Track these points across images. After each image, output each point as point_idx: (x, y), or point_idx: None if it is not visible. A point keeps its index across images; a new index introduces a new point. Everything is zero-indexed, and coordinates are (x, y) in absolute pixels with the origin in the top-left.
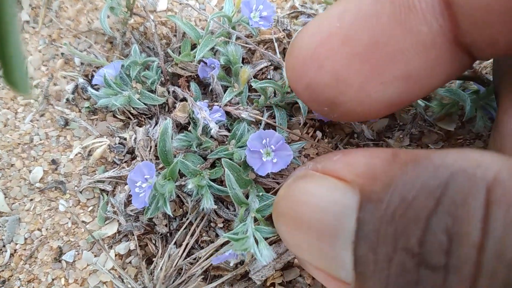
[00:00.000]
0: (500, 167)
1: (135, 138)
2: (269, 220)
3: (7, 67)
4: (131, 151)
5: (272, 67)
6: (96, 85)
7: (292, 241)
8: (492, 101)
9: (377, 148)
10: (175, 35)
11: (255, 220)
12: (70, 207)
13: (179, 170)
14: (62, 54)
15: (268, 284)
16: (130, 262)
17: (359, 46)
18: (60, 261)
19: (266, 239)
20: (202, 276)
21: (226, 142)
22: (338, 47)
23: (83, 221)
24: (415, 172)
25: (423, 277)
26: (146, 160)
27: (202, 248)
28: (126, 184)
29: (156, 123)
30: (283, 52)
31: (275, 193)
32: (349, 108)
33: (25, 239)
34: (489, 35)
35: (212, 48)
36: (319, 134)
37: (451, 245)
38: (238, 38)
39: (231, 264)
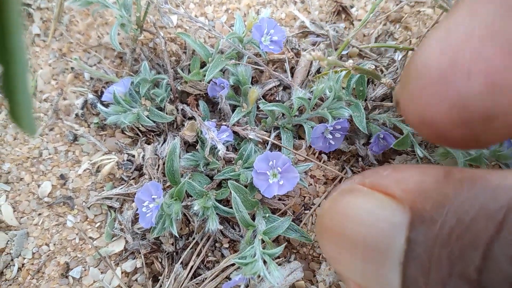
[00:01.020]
0: None
1: (143, 156)
2: (275, 241)
3: (14, 107)
4: (139, 168)
5: (281, 87)
6: (105, 101)
7: (335, 257)
8: None
9: (429, 165)
10: (184, 52)
11: (262, 241)
12: (78, 222)
13: (186, 190)
14: (72, 68)
15: None
16: (136, 280)
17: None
18: (67, 277)
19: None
20: None
21: (233, 162)
22: (486, 49)
23: (90, 237)
24: (471, 192)
25: None
26: (154, 178)
27: (208, 268)
28: (133, 201)
29: (165, 141)
30: (291, 71)
31: (281, 215)
32: (506, 120)
33: (33, 253)
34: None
35: (222, 68)
36: (324, 156)
37: None
38: (249, 58)
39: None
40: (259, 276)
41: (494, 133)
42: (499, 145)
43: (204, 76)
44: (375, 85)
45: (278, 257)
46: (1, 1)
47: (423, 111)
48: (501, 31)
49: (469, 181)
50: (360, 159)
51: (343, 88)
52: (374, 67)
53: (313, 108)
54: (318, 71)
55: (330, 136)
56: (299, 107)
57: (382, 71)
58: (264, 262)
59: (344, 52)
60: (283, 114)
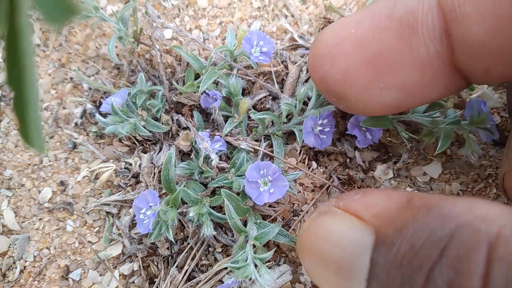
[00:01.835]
0: (505, 222)
1: (140, 164)
2: (265, 246)
3: (24, 128)
4: (136, 176)
5: (270, 97)
6: (104, 111)
7: (313, 272)
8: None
9: (395, 190)
10: (179, 64)
11: (253, 246)
12: (77, 227)
13: (182, 198)
14: (71, 78)
15: None
16: (133, 282)
17: (367, 53)
18: (67, 279)
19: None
20: None
21: (226, 170)
22: (350, 51)
23: (89, 241)
24: (425, 220)
25: None
26: (150, 186)
27: (202, 271)
28: (130, 207)
29: (160, 150)
30: (282, 83)
31: (272, 221)
32: (353, 104)
33: (34, 256)
34: (482, 65)
35: (215, 80)
36: (313, 164)
37: None
38: (239, 70)
39: None
40: (250, 279)
41: (346, 108)
42: (478, 114)
43: (198, 87)
44: None
45: (269, 261)
46: (13, 28)
47: (311, 72)
48: (367, 43)
49: (425, 209)
50: (348, 160)
51: None
52: None
53: (300, 113)
54: (306, 82)
55: (319, 130)
56: (288, 114)
57: None
58: (255, 265)
59: None
60: (273, 123)
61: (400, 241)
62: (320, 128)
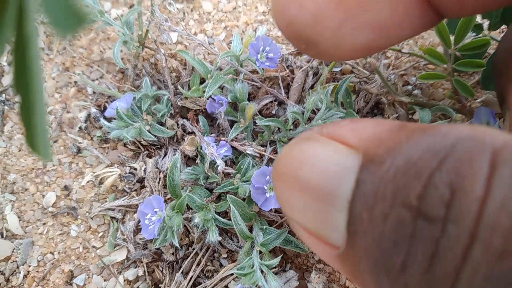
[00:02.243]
0: (509, 137)
1: (145, 169)
2: (271, 252)
3: (30, 134)
4: (141, 181)
5: (276, 102)
6: (108, 116)
7: (287, 200)
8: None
9: (385, 119)
10: (184, 68)
11: (260, 252)
12: (82, 232)
13: (187, 203)
14: (75, 82)
15: None
16: None
17: None
18: (71, 284)
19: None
20: None
21: (232, 176)
22: None
23: (93, 246)
24: (421, 137)
25: (420, 229)
26: (155, 191)
27: (207, 277)
28: (135, 212)
29: (165, 154)
30: (287, 88)
31: (277, 227)
32: (324, 48)
33: (38, 261)
34: None
35: (221, 85)
36: None
37: (453, 198)
38: (245, 75)
39: None
40: (257, 285)
41: (317, 53)
42: (486, 124)
43: (204, 92)
44: (358, 95)
45: (275, 267)
46: (21, 35)
47: (276, 19)
48: None
49: (420, 130)
50: None
51: (332, 101)
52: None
53: (307, 121)
54: (311, 87)
55: None
56: (294, 121)
57: (366, 82)
58: (262, 272)
59: (337, 69)
60: (278, 128)
61: (392, 157)
62: None
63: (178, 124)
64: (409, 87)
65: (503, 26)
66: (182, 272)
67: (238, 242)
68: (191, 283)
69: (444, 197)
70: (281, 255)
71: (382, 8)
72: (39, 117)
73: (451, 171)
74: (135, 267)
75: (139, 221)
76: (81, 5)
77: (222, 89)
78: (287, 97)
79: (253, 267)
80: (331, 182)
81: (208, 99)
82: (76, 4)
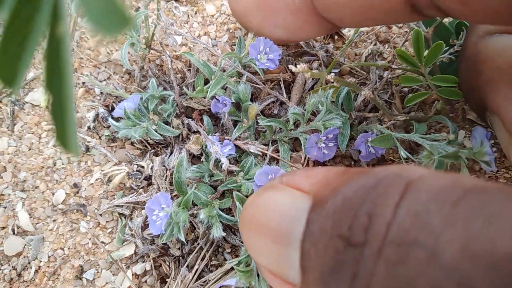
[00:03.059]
0: (425, 172)
1: (152, 167)
2: None
3: (61, 132)
4: (148, 178)
5: (278, 102)
6: (116, 116)
7: (252, 245)
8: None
9: (333, 166)
10: (189, 69)
11: None
12: (91, 228)
13: (192, 200)
14: (83, 83)
15: None
16: (145, 281)
17: None
18: (81, 279)
19: None
20: None
21: (235, 174)
22: None
23: (102, 242)
24: (357, 178)
25: (349, 255)
26: (162, 188)
27: (211, 271)
28: (143, 208)
29: (171, 153)
30: (289, 88)
31: None
32: (257, 34)
33: (49, 257)
34: (335, 15)
35: (224, 85)
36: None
37: (370, 224)
38: (247, 77)
39: None
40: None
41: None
42: (479, 144)
43: (208, 92)
44: (357, 98)
45: None
46: (54, 37)
47: (229, 5)
48: None
49: (359, 173)
50: (353, 163)
51: (332, 103)
52: (354, 80)
53: (308, 122)
54: (312, 88)
55: (323, 145)
56: (295, 122)
57: (364, 83)
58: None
59: (336, 71)
60: (280, 128)
61: (333, 197)
62: (324, 143)
63: (183, 124)
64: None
65: None
66: (187, 266)
67: (241, 237)
68: (196, 276)
69: (364, 224)
70: None
71: (287, 15)
72: (69, 116)
73: (371, 202)
74: (143, 262)
75: (146, 217)
76: (125, 6)
77: (225, 89)
78: (289, 98)
79: (249, 265)
80: (287, 225)
81: (212, 99)
82: (120, 5)
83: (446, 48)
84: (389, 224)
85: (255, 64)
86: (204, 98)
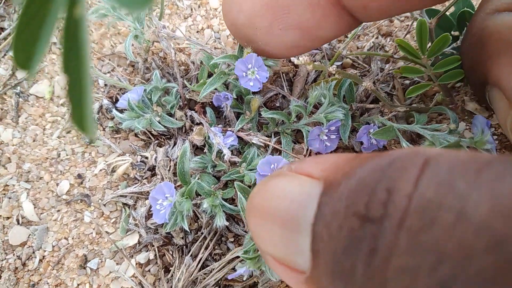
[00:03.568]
0: (442, 150)
1: (156, 158)
2: None
3: (78, 113)
4: (152, 169)
5: (280, 95)
6: (120, 107)
7: (259, 232)
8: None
9: (343, 153)
10: (193, 62)
11: None
12: (95, 218)
13: (196, 190)
14: None
15: None
16: (149, 271)
17: None
18: (85, 268)
19: None
20: (216, 287)
21: (238, 164)
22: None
23: (106, 232)
24: (371, 160)
25: (365, 231)
26: (166, 178)
27: (215, 260)
28: (146, 198)
29: (175, 144)
30: (290, 80)
31: None
32: (260, 46)
33: (53, 246)
34: (360, 2)
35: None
36: None
37: (389, 198)
38: None
39: (244, 278)
40: (260, 269)
41: (256, 51)
42: (480, 132)
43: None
44: (358, 89)
45: None
46: (71, 19)
47: (224, 19)
48: None
49: (372, 156)
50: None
51: (334, 95)
52: (356, 72)
53: (310, 114)
54: (314, 81)
55: (326, 138)
56: (297, 114)
57: (365, 75)
58: None
59: (338, 63)
60: (283, 120)
61: (347, 179)
62: (327, 135)
63: (186, 116)
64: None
65: None
66: (191, 255)
67: (244, 227)
68: (199, 265)
69: (382, 199)
70: None
71: (303, 11)
72: (86, 98)
73: (388, 178)
74: (147, 251)
75: (150, 207)
76: None
77: (227, 85)
78: (291, 90)
79: (257, 251)
80: (296, 210)
81: (213, 93)
82: None
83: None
84: (411, 195)
85: (237, 82)
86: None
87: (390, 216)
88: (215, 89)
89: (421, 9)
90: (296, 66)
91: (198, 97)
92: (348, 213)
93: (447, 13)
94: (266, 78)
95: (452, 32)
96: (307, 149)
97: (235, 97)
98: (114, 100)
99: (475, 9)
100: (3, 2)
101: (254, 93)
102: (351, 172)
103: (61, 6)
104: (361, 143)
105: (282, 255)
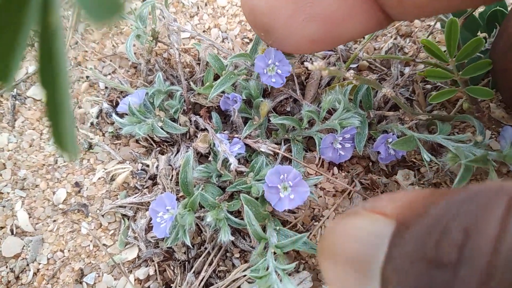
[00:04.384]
0: None
1: (157, 166)
2: (285, 252)
3: (57, 131)
4: (153, 178)
5: (291, 99)
6: (120, 111)
7: (331, 275)
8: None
9: (421, 189)
10: (198, 63)
11: (274, 253)
12: (92, 229)
13: (199, 201)
14: (87, 77)
15: None
16: (148, 287)
17: None
18: (81, 283)
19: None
20: None
21: (245, 174)
22: None
23: (104, 245)
24: (448, 196)
25: (436, 278)
26: (168, 188)
27: (219, 277)
28: (147, 209)
29: (178, 151)
30: (303, 84)
31: (291, 227)
32: (279, 37)
33: (48, 259)
34: None
35: (234, 82)
36: (335, 168)
37: (466, 240)
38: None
39: None
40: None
41: (274, 42)
42: (509, 146)
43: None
44: (376, 95)
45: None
46: (46, 28)
47: (242, 7)
48: None
49: (449, 192)
50: (371, 164)
51: (350, 100)
52: (374, 76)
53: (323, 120)
54: (328, 84)
55: (340, 146)
56: (309, 120)
57: (384, 79)
58: (277, 273)
59: (353, 65)
60: (293, 127)
61: (418, 220)
62: (341, 143)
63: (190, 121)
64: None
65: None
66: (193, 271)
67: (251, 242)
68: (203, 283)
69: (457, 241)
70: (295, 257)
71: (329, 2)
72: (66, 114)
73: (466, 217)
74: (146, 266)
75: (150, 219)
76: None
77: (235, 87)
78: (303, 94)
79: (267, 269)
80: (367, 252)
81: (221, 95)
82: None
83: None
84: (498, 239)
85: (259, 79)
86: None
87: (469, 264)
88: (223, 92)
89: (464, 9)
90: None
91: (203, 100)
92: (417, 256)
93: (476, 13)
94: (289, 72)
95: (479, 34)
96: (319, 158)
97: (244, 98)
98: (115, 104)
99: (509, 8)
100: None
101: (263, 96)
102: (424, 211)
103: (34, 16)
104: (378, 152)
105: None
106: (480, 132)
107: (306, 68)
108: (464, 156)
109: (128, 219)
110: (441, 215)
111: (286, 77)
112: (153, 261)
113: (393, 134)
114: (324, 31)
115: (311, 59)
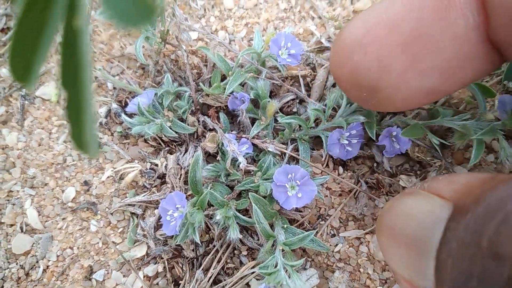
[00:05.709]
0: None
1: (166, 165)
2: (294, 251)
3: (77, 131)
4: (162, 177)
5: (297, 100)
6: (129, 112)
7: (388, 252)
8: None
9: (479, 173)
10: (205, 65)
11: (282, 250)
12: (101, 227)
13: (208, 200)
14: (96, 77)
15: None
16: (157, 284)
17: (402, 36)
18: (90, 280)
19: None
20: None
21: (253, 173)
22: (383, 36)
23: (113, 242)
24: (506, 184)
25: (488, 268)
26: (176, 187)
27: (227, 274)
28: (156, 208)
29: (186, 151)
30: (308, 85)
31: (298, 225)
32: (388, 94)
33: (57, 256)
34: None
35: (242, 82)
36: (340, 168)
37: None
38: (266, 74)
39: None
40: (281, 285)
41: (379, 101)
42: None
43: (225, 89)
44: None
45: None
46: (71, 30)
47: (336, 69)
48: (400, 26)
49: (506, 179)
50: (375, 165)
51: None
52: None
53: (329, 118)
54: (334, 85)
55: (346, 142)
56: (316, 119)
57: None
58: (285, 270)
59: None
60: (300, 126)
61: (475, 206)
62: (347, 139)
63: (199, 121)
64: None
65: None
66: (202, 269)
67: (259, 240)
68: (211, 280)
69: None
70: (302, 254)
71: (447, 48)
72: (87, 114)
73: None
74: (155, 263)
75: (159, 217)
76: None
77: (243, 86)
78: (309, 95)
79: (276, 266)
80: (423, 233)
81: (229, 95)
82: None
83: None
84: None
85: (276, 60)
86: (222, 94)
87: None
88: (231, 92)
89: None
90: (314, 70)
91: (211, 101)
92: (472, 244)
93: None
94: (302, 50)
95: None
96: (326, 155)
97: (252, 98)
98: (123, 104)
99: None
100: (9, 1)
101: (270, 97)
102: (481, 198)
103: (60, 17)
104: (382, 153)
105: (409, 277)
106: (482, 105)
107: (312, 69)
108: (474, 132)
109: (137, 217)
110: (497, 204)
111: (303, 51)
112: (162, 258)
113: (397, 127)
114: (440, 81)
115: (316, 60)
